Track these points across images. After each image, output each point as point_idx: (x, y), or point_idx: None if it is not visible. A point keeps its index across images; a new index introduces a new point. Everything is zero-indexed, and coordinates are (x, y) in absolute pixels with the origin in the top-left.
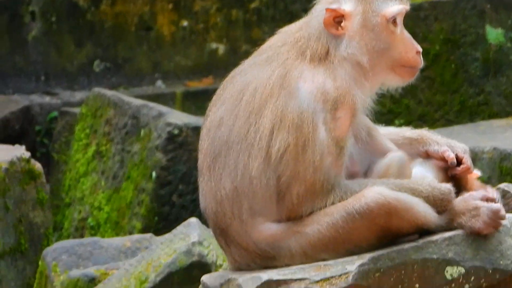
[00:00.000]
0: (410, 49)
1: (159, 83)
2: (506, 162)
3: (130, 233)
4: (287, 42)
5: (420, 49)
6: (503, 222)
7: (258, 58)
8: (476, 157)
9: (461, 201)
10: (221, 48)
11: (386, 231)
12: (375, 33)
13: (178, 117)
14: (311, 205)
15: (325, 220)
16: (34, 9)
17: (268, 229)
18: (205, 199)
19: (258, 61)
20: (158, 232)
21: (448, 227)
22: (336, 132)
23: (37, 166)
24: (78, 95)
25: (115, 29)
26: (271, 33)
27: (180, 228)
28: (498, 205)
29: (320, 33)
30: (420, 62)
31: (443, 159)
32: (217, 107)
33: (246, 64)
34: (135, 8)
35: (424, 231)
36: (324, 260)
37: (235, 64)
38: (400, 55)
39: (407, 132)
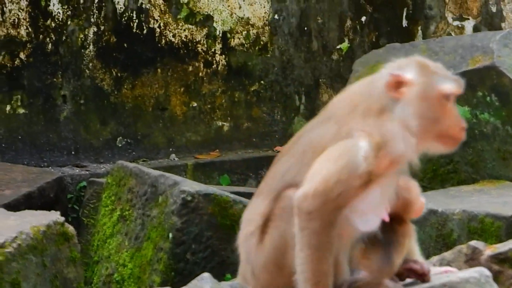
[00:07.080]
0: (457, 124)
1: (173, 156)
2: (473, 222)
3: (151, 286)
4: (346, 100)
5: (465, 125)
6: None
7: (321, 117)
8: (447, 218)
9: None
10: (226, 126)
11: None
12: (429, 104)
13: (191, 185)
14: None
15: None
16: (65, 93)
17: None
18: None
19: (319, 121)
20: (175, 285)
21: None
22: (374, 167)
23: (70, 229)
24: (104, 167)
25: (134, 110)
26: (270, 112)
27: (194, 282)
28: None
29: (379, 93)
30: (463, 137)
31: None
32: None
33: (310, 125)
34: (152, 91)
35: None
36: None
37: (238, 139)
38: (447, 127)
39: None
